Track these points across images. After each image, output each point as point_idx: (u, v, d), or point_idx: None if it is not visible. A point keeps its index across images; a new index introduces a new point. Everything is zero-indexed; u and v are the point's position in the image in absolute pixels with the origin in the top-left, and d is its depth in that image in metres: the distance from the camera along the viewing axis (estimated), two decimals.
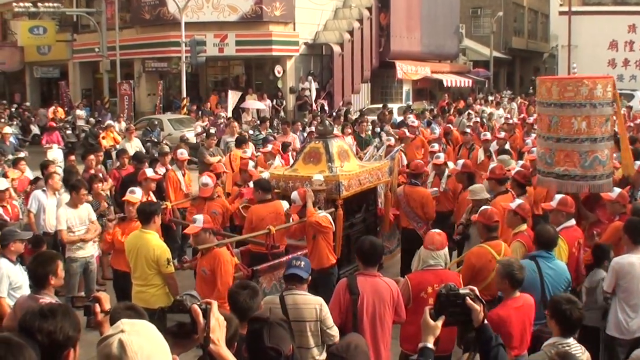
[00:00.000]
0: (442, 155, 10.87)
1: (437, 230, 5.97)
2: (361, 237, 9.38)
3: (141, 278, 7.01)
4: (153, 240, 6.99)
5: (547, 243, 6.00)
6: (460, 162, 9.79)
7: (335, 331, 5.10)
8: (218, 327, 2.74)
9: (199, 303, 2.76)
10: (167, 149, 13.85)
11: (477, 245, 6.69)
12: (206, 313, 2.72)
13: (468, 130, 15.06)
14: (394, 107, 27.95)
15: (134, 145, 15.28)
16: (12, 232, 6.75)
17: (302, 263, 5.19)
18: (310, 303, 5.05)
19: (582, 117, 7.68)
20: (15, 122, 25.98)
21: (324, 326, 5.06)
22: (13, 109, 30.78)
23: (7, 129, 18.37)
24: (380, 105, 27.82)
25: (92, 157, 11.96)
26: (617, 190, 7.64)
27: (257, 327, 3.74)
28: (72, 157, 12.57)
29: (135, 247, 7.03)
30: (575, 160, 7.77)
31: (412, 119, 16.70)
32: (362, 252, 5.46)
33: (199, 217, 6.95)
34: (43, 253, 5.53)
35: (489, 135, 13.56)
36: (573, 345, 4.53)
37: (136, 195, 8.22)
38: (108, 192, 11.28)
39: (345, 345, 3.68)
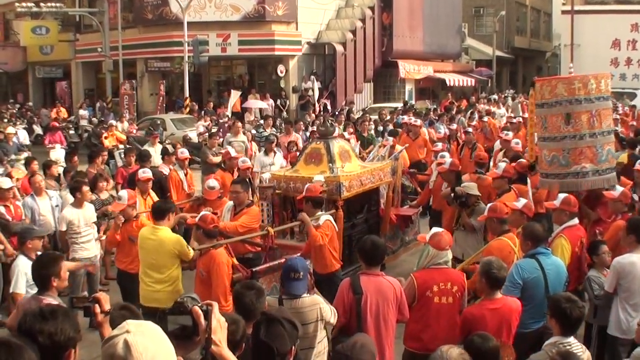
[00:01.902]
0: (446, 154, 10.83)
1: (443, 230, 5.98)
2: (363, 237, 9.43)
3: (160, 273, 6.89)
4: (169, 234, 6.98)
5: (540, 239, 6.00)
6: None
7: (334, 319, 5.16)
8: (219, 328, 2.74)
9: (199, 305, 2.76)
10: (170, 148, 13.86)
11: (495, 239, 6.72)
12: (207, 314, 2.72)
13: (470, 129, 14.99)
14: (398, 106, 27.89)
15: (158, 150, 14.70)
16: (30, 230, 7.00)
17: (300, 274, 5.08)
18: (310, 305, 5.04)
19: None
20: (18, 122, 25.97)
21: (325, 320, 5.09)
22: (16, 109, 30.83)
23: (10, 129, 18.38)
24: (383, 105, 27.83)
25: (99, 158, 12.05)
26: (620, 188, 7.64)
27: (259, 320, 3.78)
28: (75, 158, 12.57)
29: (154, 245, 6.93)
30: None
31: (414, 119, 16.66)
32: (364, 252, 5.46)
33: (202, 213, 7.02)
34: (46, 254, 5.53)
35: (510, 136, 13.27)
36: (574, 344, 4.54)
37: (121, 201, 8.10)
38: (115, 192, 11.35)
39: (351, 344, 3.68)
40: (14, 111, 29.84)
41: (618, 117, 17.59)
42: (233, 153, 11.22)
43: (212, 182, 9.35)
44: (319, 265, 7.54)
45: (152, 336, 2.21)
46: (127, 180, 11.64)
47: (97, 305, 3.53)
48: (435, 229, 5.84)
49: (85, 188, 8.82)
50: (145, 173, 9.78)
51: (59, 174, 11.45)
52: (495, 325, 5.06)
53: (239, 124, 16.15)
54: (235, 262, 7.07)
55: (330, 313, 5.14)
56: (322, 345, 5.09)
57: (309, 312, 4.99)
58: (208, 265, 6.54)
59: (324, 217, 7.77)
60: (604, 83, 8.24)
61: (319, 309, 5.04)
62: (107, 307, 3.57)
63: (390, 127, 19.47)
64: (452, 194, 8.56)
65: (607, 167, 8.22)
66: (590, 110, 8.08)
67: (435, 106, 30.09)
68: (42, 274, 5.00)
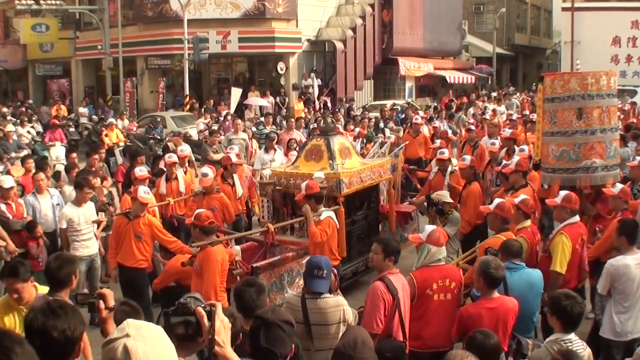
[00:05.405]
0: (446, 151, 10.83)
1: (437, 227, 5.96)
2: (362, 234, 9.40)
3: None
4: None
5: (511, 253, 5.81)
6: (467, 157, 9.79)
7: (355, 322, 5.10)
8: (223, 329, 2.73)
9: (203, 305, 2.75)
10: (171, 146, 13.86)
11: (492, 237, 6.70)
12: (211, 315, 2.71)
13: (472, 127, 14.94)
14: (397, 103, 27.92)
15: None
16: None
17: (324, 272, 4.95)
18: (334, 306, 4.93)
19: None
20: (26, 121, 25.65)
21: (348, 323, 4.99)
22: (24, 108, 30.70)
23: (10, 127, 18.37)
24: (384, 102, 27.78)
25: (95, 156, 11.99)
26: (619, 185, 7.61)
27: (256, 326, 3.69)
28: (74, 155, 12.57)
29: None
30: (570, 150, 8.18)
31: (416, 117, 16.66)
32: (398, 251, 5.38)
33: (197, 212, 7.02)
34: (62, 254, 5.49)
35: (507, 132, 13.12)
36: (575, 341, 4.51)
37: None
38: (114, 190, 11.36)
39: (352, 342, 3.63)
40: (23, 109, 29.72)
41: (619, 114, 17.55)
42: (234, 159, 10.76)
43: (206, 169, 9.65)
44: None
45: (153, 340, 2.21)
46: (125, 178, 11.67)
47: (101, 302, 3.54)
48: (429, 227, 5.80)
49: (87, 189, 8.83)
50: (141, 171, 9.80)
51: (59, 172, 11.44)
52: (491, 324, 5.00)
53: (239, 122, 16.16)
54: (237, 258, 7.09)
55: (352, 315, 5.06)
56: None
57: (332, 313, 4.89)
58: (202, 261, 6.65)
59: (326, 213, 7.78)
60: (613, 80, 8.29)
61: (343, 310, 4.94)
62: (111, 303, 3.58)
63: (391, 124, 19.49)
64: (427, 202, 8.49)
65: (614, 163, 8.26)
66: (602, 106, 8.11)
67: (435, 103, 30.07)
68: (65, 272, 4.92)
